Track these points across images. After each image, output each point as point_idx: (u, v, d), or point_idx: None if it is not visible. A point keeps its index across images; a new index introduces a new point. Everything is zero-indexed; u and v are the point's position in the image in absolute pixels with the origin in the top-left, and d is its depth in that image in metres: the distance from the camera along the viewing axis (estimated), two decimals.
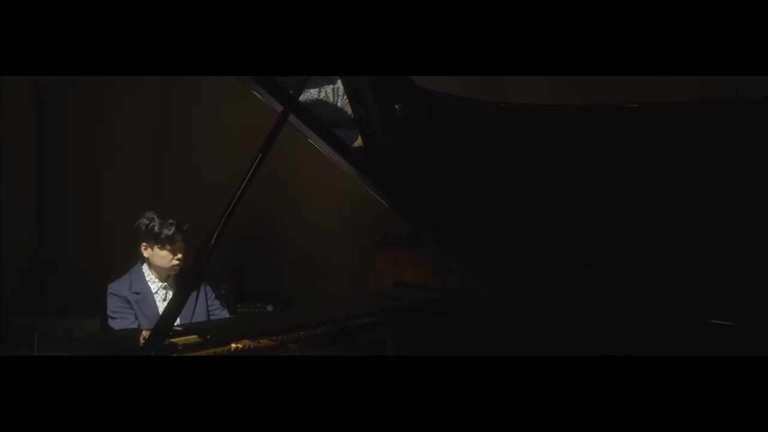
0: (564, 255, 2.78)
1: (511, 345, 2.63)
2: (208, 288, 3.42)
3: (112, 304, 3.19)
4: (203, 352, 2.46)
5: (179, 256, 3.25)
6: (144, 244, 3.25)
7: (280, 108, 2.79)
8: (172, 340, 2.47)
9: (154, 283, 3.28)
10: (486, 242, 3.06)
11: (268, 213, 5.55)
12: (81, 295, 4.95)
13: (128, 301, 3.19)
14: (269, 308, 5.09)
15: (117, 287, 3.22)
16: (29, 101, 5.53)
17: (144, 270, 3.29)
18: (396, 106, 2.97)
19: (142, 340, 2.42)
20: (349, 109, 3.42)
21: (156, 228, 3.21)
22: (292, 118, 2.82)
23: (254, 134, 2.90)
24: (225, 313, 3.41)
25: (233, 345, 2.54)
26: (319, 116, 3.47)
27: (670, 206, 2.42)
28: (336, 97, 3.44)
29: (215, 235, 2.71)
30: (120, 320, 3.17)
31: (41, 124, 5.58)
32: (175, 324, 2.54)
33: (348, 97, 3.43)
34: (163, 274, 3.28)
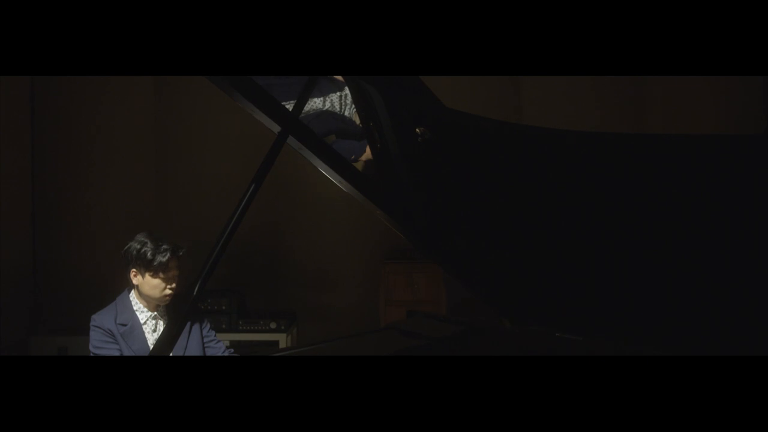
0: (578, 285, 2.70)
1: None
2: (205, 319, 3.14)
3: (95, 338, 2.89)
4: None
5: (173, 285, 2.96)
6: (134, 270, 2.96)
7: (277, 128, 2.57)
8: None
9: (143, 313, 2.99)
10: (496, 267, 2.94)
11: (270, 221, 5.37)
12: (76, 311, 4.72)
13: (113, 335, 2.90)
14: (272, 325, 4.85)
15: (100, 319, 2.93)
16: (24, 105, 5.41)
17: (132, 298, 3.00)
18: (417, 130, 2.73)
19: None
20: (357, 119, 3.19)
21: (148, 254, 2.92)
22: (291, 140, 2.60)
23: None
24: (221, 346, 3.12)
25: None
26: (325, 127, 3.26)
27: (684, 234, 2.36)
28: (343, 107, 3.22)
29: (209, 264, 2.56)
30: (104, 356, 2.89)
31: (37, 129, 5.47)
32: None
33: (356, 107, 3.20)
34: (152, 304, 3.00)
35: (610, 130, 4.96)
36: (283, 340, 4.88)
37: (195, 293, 2.55)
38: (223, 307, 4.85)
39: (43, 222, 5.43)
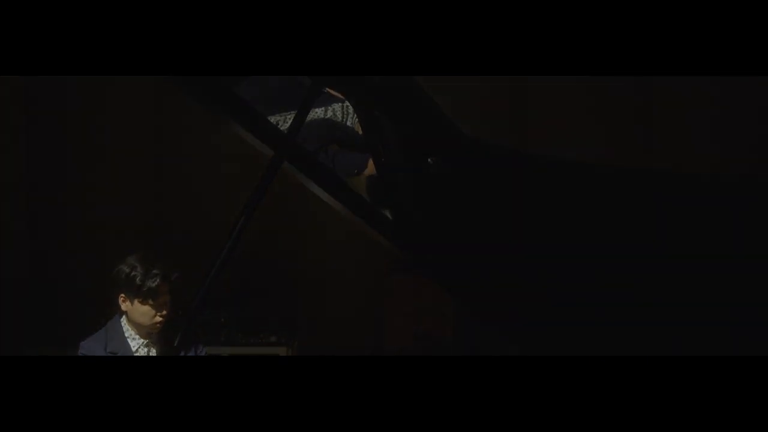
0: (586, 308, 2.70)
1: None
2: (200, 344, 3.03)
3: None
4: None
5: (163, 312, 2.84)
6: (123, 295, 2.85)
7: (271, 151, 2.46)
8: None
9: (135, 341, 2.88)
10: (502, 289, 2.89)
11: (271, 228, 5.24)
12: (75, 319, 4.68)
13: None
14: (272, 339, 4.83)
15: (89, 346, 2.83)
16: (20, 105, 5.38)
17: (123, 324, 2.89)
18: (429, 160, 2.65)
19: None
20: (360, 129, 3.09)
21: (138, 279, 2.80)
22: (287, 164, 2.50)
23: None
24: None
25: None
26: (328, 134, 3.17)
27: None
28: (345, 116, 3.12)
29: (201, 294, 2.51)
30: None
31: (35, 130, 5.40)
32: None
33: (359, 120, 3.10)
34: (144, 331, 2.89)
35: (613, 131, 5.08)
36: (283, 353, 4.82)
37: (185, 326, 2.48)
38: (222, 320, 4.78)
39: (40, 226, 5.36)
